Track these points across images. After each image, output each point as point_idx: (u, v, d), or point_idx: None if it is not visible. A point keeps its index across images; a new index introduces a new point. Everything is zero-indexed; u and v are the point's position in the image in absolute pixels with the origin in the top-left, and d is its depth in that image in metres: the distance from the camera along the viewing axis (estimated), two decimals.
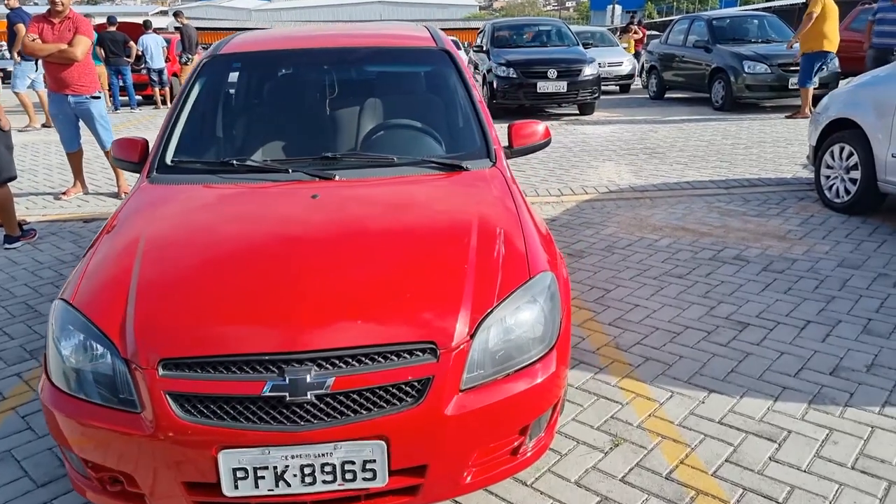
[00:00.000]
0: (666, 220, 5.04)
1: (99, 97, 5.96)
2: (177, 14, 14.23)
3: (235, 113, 2.98)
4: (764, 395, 2.63)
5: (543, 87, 10.02)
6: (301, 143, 2.78)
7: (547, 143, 3.04)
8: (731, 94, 10.47)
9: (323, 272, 1.88)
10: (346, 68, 3.15)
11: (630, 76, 15.15)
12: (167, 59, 13.82)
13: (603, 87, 15.17)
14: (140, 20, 14.64)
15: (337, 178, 2.44)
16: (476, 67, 11.54)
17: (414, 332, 1.76)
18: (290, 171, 2.48)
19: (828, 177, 5.21)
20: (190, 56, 13.53)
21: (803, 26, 9.13)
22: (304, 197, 2.30)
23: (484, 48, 11.37)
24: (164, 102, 13.83)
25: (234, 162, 2.54)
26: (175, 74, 14.20)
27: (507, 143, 2.96)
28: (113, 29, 12.82)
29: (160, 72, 13.59)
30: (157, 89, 13.73)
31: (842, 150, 5.04)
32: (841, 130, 5.07)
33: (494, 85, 10.20)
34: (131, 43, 12.86)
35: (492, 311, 1.86)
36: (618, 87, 15.46)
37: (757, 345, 3.05)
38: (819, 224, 4.81)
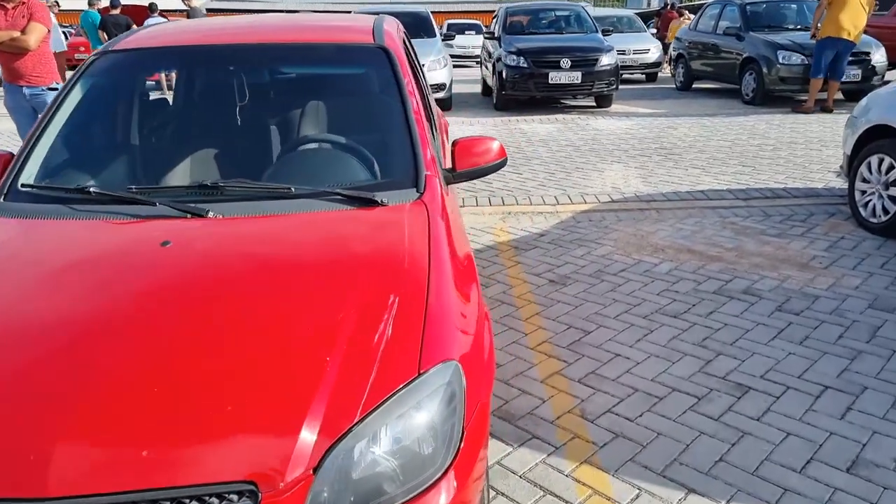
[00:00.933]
0: (671, 239, 4.43)
1: (56, 88, 5.53)
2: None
3: (117, 125, 2.45)
4: (757, 502, 2.06)
5: (556, 77, 9.35)
6: (186, 165, 2.26)
7: (501, 165, 2.47)
8: (763, 86, 9.68)
9: (113, 373, 1.36)
10: (259, 70, 2.62)
11: (657, 64, 14.34)
12: None
13: (628, 76, 14.56)
14: (146, 2, 14.27)
15: (210, 214, 1.92)
16: (489, 56, 10.88)
17: (225, 467, 1.24)
18: (158, 203, 1.96)
19: (863, 192, 4.53)
20: None
21: (818, 12, 8.44)
22: (151, 245, 1.78)
23: (496, 34, 10.70)
24: (170, 88, 13.47)
25: (92, 190, 2.03)
26: None
27: (451, 164, 2.41)
28: (116, 12, 12.45)
29: None
30: (163, 75, 13.35)
31: (881, 161, 4.36)
32: (881, 139, 4.38)
33: (504, 75, 9.55)
34: (135, 27, 12.49)
35: (353, 429, 1.33)
36: (644, 76, 14.67)
37: (757, 420, 2.46)
38: (850, 249, 4.15)
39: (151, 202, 1.96)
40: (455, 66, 19.38)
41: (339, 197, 2.02)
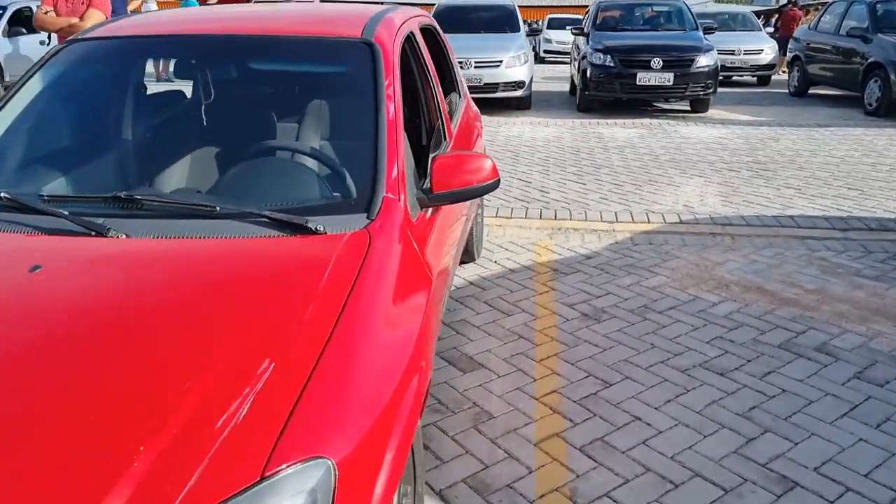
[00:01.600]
0: (739, 273, 3.81)
1: None
2: None
3: (60, 121, 2.23)
4: None
5: (644, 78, 8.64)
6: (118, 172, 2.01)
7: (490, 188, 2.07)
8: (890, 95, 8.55)
9: None
10: (225, 65, 2.35)
11: (770, 66, 13.14)
12: None
13: (737, 78, 13.39)
14: None
15: (112, 234, 1.64)
16: (578, 53, 10.27)
17: None
18: (59, 215, 1.71)
19: None
20: None
21: None
22: (17, 269, 1.52)
23: (585, 30, 10.08)
24: (169, 80, 13.72)
25: (3, 195, 1.81)
26: None
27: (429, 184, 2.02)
28: (214, 2, 12.80)
29: None
30: (160, 63, 13.60)
31: None
32: None
33: (588, 74, 8.95)
34: None
35: None
36: (755, 79, 13.49)
37: None
38: None
39: (55, 213, 1.71)
40: (553, 63, 18.79)
41: (267, 220, 1.69)
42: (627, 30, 9.92)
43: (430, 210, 2.10)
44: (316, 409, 1.21)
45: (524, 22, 10.99)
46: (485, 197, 5.13)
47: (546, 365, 2.85)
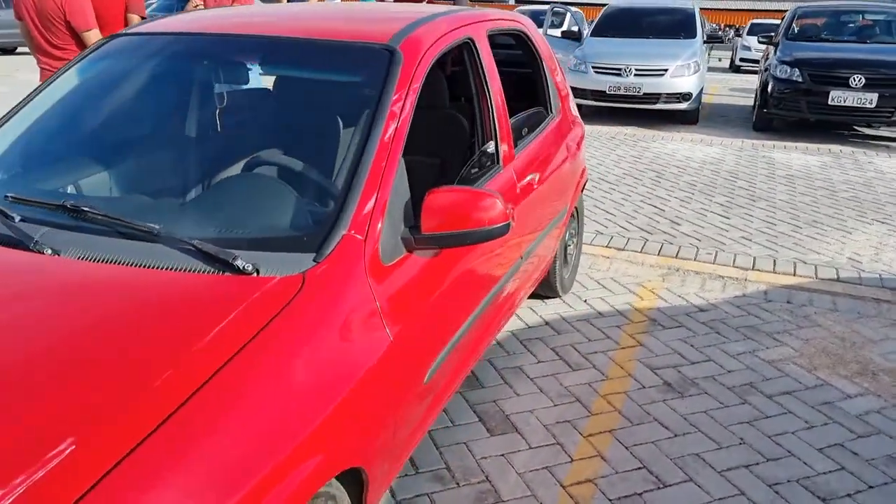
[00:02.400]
0: None
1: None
2: None
3: (70, 119, 2.14)
4: None
5: (839, 97, 7.37)
6: (94, 176, 1.89)
7: (495, 234, 1.68)
8: None
9: None
10: (238, 69, 2.16)
11: None
12: None
13: None
14: None
15: (37, 247, 1.51)
16: (765, 63, 9.10)
17: None
18: (17, 219, 1.62)
19: None
20: None
21: None
22: None
23: (774, 39, 8.87)
24: None
25: None
26: None
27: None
28: None
29: None
30: None
31: None
32: None
33: (769, 88, 7.84)
34: None
35: None
36: None
37: None
38: None
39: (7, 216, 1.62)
40: (749, 73, 16.95)
41: (194, 251, 1.46)
42: (828, 41, 8.57)
43: (431, 252, 1.75)
44: None
45: (706, 26, 9.96)
46: (598, 222, 4.64)
47: (593, 442, 2.37)
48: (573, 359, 2.93)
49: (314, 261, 1.45)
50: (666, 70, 8.10)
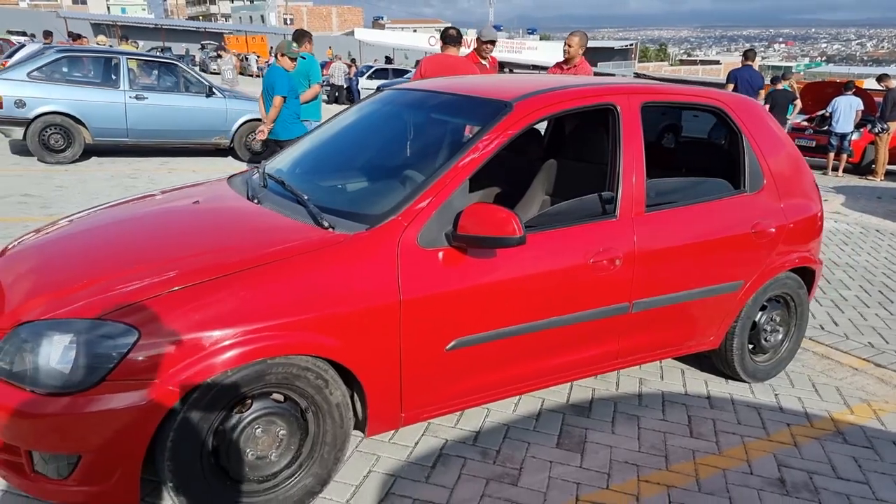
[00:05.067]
0: None
1: None
2: (881, 78, 12.60)
3: (335, 138, 3.29)
4: None
5: None
6: (322, 163, 3.06)
7: (508, 242, 2.21)
8: None
9: None
10: (423, 113, 3.06)
11: None
12: (858, 127, 12.57)
13: None
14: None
15: (255, 200, 2.64)
16: None
17: None
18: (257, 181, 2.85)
19: None
20: (884, 126, 11.93)
21: None
22: (189, 201, 2.74)
23: None
24: (834, 170, 12.82)
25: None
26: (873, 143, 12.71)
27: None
28: (781, 86, 12.54)
29: (843, 137, 12.55)
30: (831, 154, 12.81)
31: None
32: None
33: None
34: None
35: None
36: None
37: None
38: None
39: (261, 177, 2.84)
40: None
41: (311, 213, 2.40)
42: None
43: (490, 254, 2.33)
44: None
45: None
46: (857, 325, 4.00)
47: (642, 486, 2.49)
48: (700, 429, 2.94)
49: (365, 229, 2.24)
50: None
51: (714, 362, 3.43)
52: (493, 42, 6.67)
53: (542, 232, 2.55)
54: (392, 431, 2.72)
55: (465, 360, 2.42)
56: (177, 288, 1.94)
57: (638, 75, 53.53)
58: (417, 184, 2.37)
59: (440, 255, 2.29)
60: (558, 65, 6.38)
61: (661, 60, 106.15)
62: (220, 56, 16.35)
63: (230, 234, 2.35)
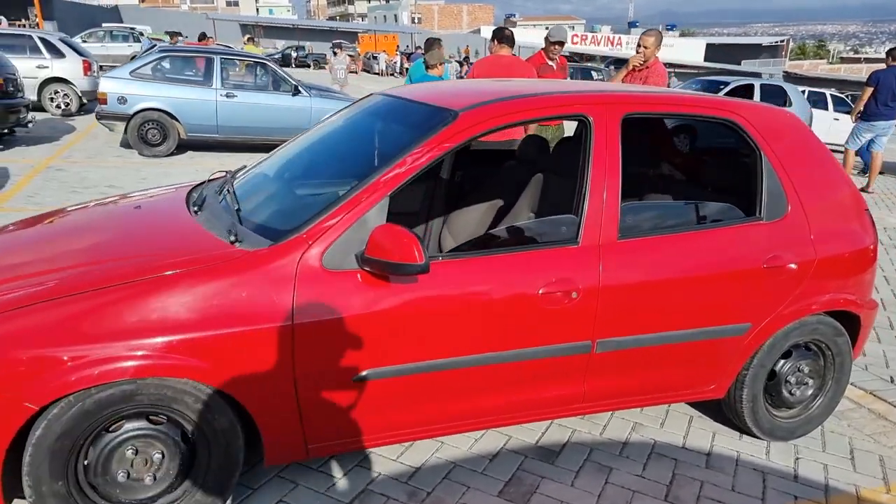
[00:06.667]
0: None
1: None
2: None
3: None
4: None
5: None
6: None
7: (408, 269, 2.00)
8: None
9: None
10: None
11: None
12: None
13: None
14: None
15: (193, 212, 2.61)
16: None
17: None
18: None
19: None
20: None
21: None
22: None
23: None
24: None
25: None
26: None
27: None
28: None
29: None
30: None
31: None
32: None
33: None
34: None
35: None
36: None
37: None
38: None
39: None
40: None
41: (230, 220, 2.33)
42: None
43: (398, 278, 2.13)
44: None
45: None
46: None
47: None
48: (680, 493, 2.56)
49: (268, 244, 2.11)
50: None
51: (725, 413, 2.99)
52: (561, 43, 6.32)
53: (485, 257, 2.31)
54: (327, 457, 2.59)
55: (382, 392, 2.24)
56: (46, 300, 1.92)
57: (787, 74, 49.45)
58: (333, 199, 2.21)
59: (351, 277, 2.12)
60: (630, 71, 5.92)
61: (819, 58, 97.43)
62: (335, 54, 16.87)
63: (139, 245, 2.32)
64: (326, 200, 2.21)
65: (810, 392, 2.93)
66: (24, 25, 27.47)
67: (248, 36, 18.84)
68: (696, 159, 3.60)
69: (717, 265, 2.58)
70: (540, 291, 2.32)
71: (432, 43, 6.79)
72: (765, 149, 2.70)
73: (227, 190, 2.62)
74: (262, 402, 2.08)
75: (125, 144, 9.15)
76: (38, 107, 11.68)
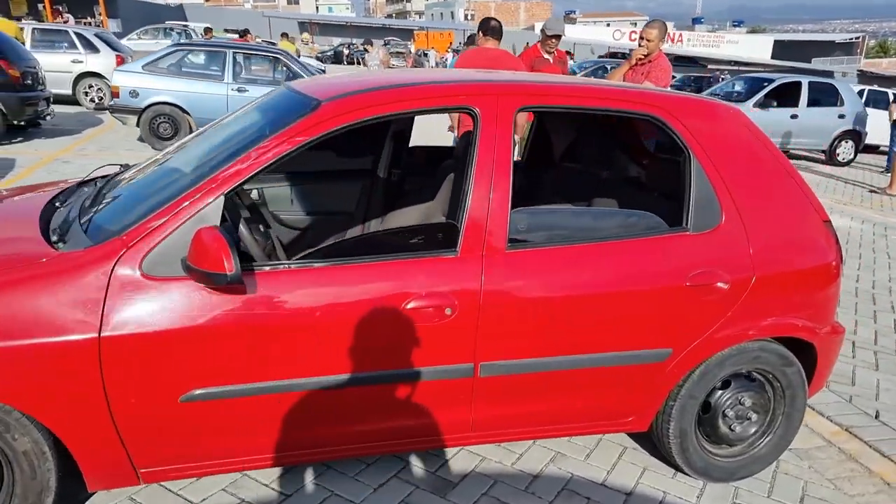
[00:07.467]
0: None
1: None
2: None
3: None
4: None
5: None
6: None
7: (208, 278, 1.78)
8: None
9: None
10: None
11: None
12: None
13: None
14: None
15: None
16: None
17: None
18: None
19: None
20: None
21: None
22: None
23: None
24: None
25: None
26: None
27: None
28: None
29: None
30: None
31: None
32: None
33: None
34: None
35: None
36: None
37: None
38: None
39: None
40: None
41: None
42: None
43: (230, 288, 1.90)
44: None
45: None
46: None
47: None
48: None
49: (85, 247, 1.91)
50: None
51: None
52: (558, 37, 5.96)
53: (343, 266, 2.05)
54: (191, 480, 2.38)
55: (217, 414, 2.01)
56: None
57: (862, 73, 46.62)
58: (164, 198, 1.99)
59: (181, 286, 1.90)
60: (633, 66, 5.50)
61: None
62: (366, 51, 16.84)
63: None
64: (157, 200, 2.00)
65: (754, 429, 2.56)
66: (90, 24, 28.47)
67: (283, 32, 18.98)
68: (659, 161, 3.24)
69: (628, 282, 2.25)
70: (408, 306, 2.05)
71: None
72: (694, 149, 2.34)
73: (97, 185, 2.45)
74: (71, 421, 1.89)
75: (142, 139, 9.25)
76: (73, 100, 12.02)
